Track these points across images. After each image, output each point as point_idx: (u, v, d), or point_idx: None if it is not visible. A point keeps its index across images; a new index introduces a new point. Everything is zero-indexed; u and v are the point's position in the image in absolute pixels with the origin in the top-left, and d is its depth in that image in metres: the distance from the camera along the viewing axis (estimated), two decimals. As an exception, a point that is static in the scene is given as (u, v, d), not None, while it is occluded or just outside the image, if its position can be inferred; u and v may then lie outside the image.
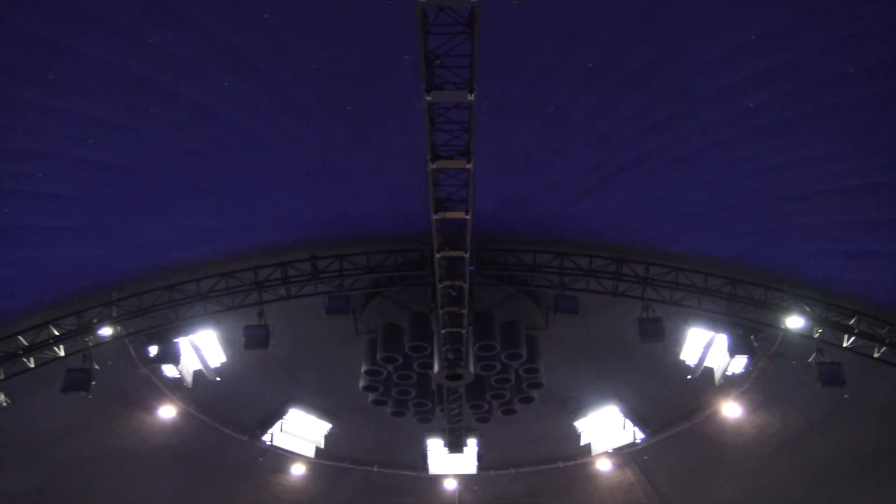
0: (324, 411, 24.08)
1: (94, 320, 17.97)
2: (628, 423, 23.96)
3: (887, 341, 17.65)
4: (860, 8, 10.15)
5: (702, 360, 20.02)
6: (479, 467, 24.42)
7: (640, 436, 24.04)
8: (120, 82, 11.67)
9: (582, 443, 24.52)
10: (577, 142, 14.47)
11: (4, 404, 17.53)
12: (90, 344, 18.15)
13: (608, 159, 14.95)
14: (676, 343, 20.06)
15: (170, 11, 10.44)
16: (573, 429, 24.33)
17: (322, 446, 24.44)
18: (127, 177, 14.20)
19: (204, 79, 11.98)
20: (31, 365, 17.91)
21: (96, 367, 18.10)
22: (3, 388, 17.60)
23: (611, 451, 24.66)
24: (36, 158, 12.98)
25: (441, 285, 15.70)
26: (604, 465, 25.31)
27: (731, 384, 21.50)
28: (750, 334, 18.62)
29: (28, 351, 17.73)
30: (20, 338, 17.72)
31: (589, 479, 25.78)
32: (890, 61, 11.04)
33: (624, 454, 24.72)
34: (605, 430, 24.26)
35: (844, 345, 17.96)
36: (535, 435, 24.70)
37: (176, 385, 21.12)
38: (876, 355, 17.84)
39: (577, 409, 24.02)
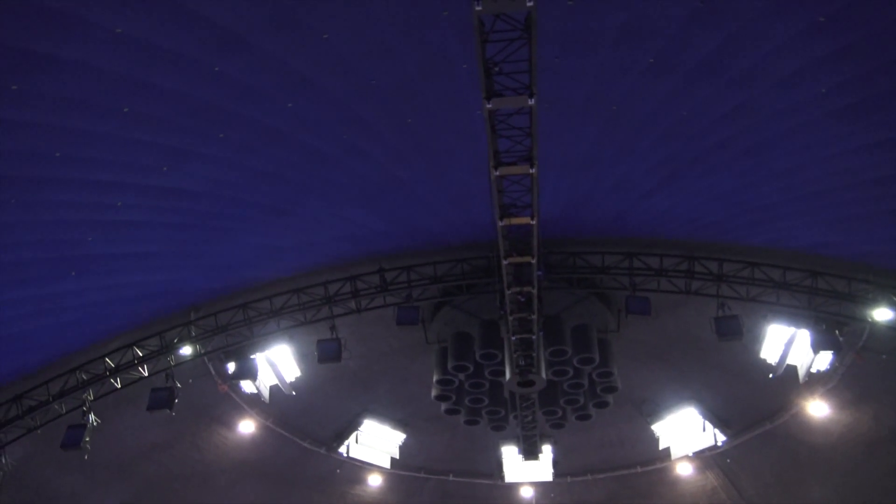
0: (398, 422, 24.26)
1: (175, 340, 18.63)
2: (708, 425, 23.31)
3: None
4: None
5: (784, 357, 19.24)
6: (556, 474, 24.12)
7: (721, 438, 23.38)
8: (190, 110, 12.09)
9: (661, 446, 23.97)
10: (642, 139, 14.20)
11: (95, 424, 18.24)
12: (172, 363, 18.77)
13: (674, 155, 14.62)
14: (756, 341, 19.38)
15: (233, 39, 10.76)
16: (651, 432, 23.82)
17: (397, 457, 24.62)
18: (200, 201, 14.71)
19: (269, 102, 12.30)
20: (118, 385, 18.65)
21: (178, 385, 18.65)
22: (92, 409, 18.31)
23: (691, 454, 24.04)
24: (115, 188, 13.57)
25: (509, 292, 15.62)
26: (684, 469, 24.67)
27: (816, 382, 20.65)
28: (834, 329, 17.76)
29: (114, 372, 18.49)
30: (107, 360, 18.52)
31: (669, 484, 25.17)
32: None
33: (705, 457, 24.04)
34: (685, 432, 23.65)
35: (938, 335, 17.03)
36: (612, 440, 24.30)
37: (254, 400, 21.66)
38: (973, 345, 16.86)
39: (655, 412, 23.51)
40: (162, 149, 12.84)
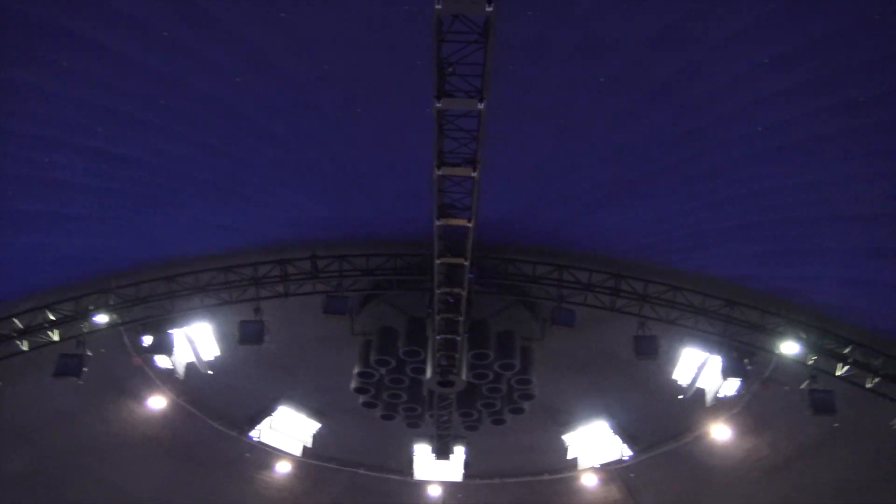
0: (314, 410, 24.05)
1: (91, 307, 17.98)
2: (617, 439, 23.96)
3: (881, 372, 17.67)
4: (883, 32, 10.17)
5: (694, 380, 20.01)
6: (465, 475, 24.36)
7: (627, 453, 24.06)
8: (135, 75, 11.70)
9: (569, 456, 24.50)
10: (590, 155, 14.47)
11: (-4, 386, 17.52)
12: (85, 330, 18.13)
13: (620, 174, 14.95)
14: (670, 362, 20.07)
15: (187, 6, 10.47)
16: (562, 442, 24.31)
17: (310, 445, 24.40)
18: (138, 169, 14.23)
19: (220, 75, 12.02)
20: (25, 348, 17.89)
21: (89, 353, 18.03)
22: (-6, 370, 17.57)
23: (597, 466, 24.65)
24: (47, 145, 13.00)
25: (439, 291, 15.71)
26: (589, 480, 25.27)
27: (722, 406, 21.53)
28: (744, 357, 18.64)
29: (22, 334, 17.71)
30: (15, 320, 17.71)
31: (574, 493, 25.73)
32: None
33: (610, 470, 24.70)
34: (594, 445, 24.25)
35: (838, 373, 17.96)
36: (524, 446, 24.68)
37: (168, 376, 21.10)
38: (868, 386, 17.85)
39: (567, 423, 24.02)
40: (102, 111, 12.38)
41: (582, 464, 24.68)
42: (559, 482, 25.73)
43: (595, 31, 11.11)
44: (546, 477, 25.67)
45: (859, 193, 13.72)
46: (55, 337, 17.99)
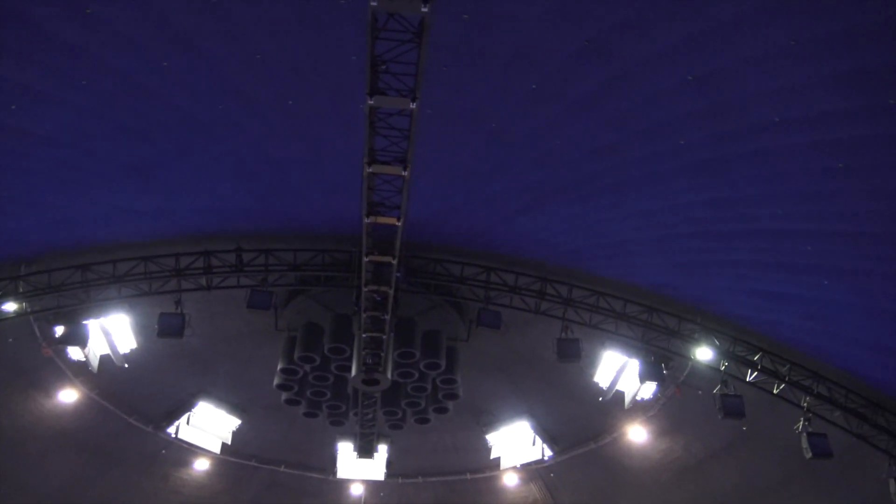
0: (234, 406, 23.57)
1: (-1, 294, 17.12)
2: (538, 439, 24.37)
3: (787, 379, 18.58)
4: (793, 61, 10.68)
5: (614, 383, 20.56)
6: (388, 474, 24.36)
7: (548, 453, 24.49)
8: (52, 49, 11.17)
9: (492, 456, 24.77)
10: (517, 160, 14.67)
11: None
12: (-9, 318, 17.27)
13: (545, 181, 15.21)
14: (592, 365, 20.56)
15: (112, -18, 10.11)
16: (485, 442, 24.56)
17: (229, 442, 23.89)
18: (51, 148, 13.57)
19: (144, 55, 11.60)
20: (-79, 336, 16.94)
21: (-5, 343, 17.24)
22: None
23: (518, 466, 25.02)
24: (-49, 118, 12.30)
25: (366, 289, 15.64)
26: (511, 480, 25.63)
27: (639, 409, 22.16)
28: (661, 362, 19.25)
29: (-82, 321, 16.76)
30: (-89, 305, 16.73)
31: (495, 492, 26.04)
32: (818, 115, 11.63)
33: (531, 470, 25.11)
34: (516, 445, 24.59)
35: (748, 379, 18.78)
36: (447, 445, 24.84)
37: (80, 368, 20.30)
38: (776, 391, 18.75)
39: (491, 423, 24.29)
40: (14, 85, 11.76)
41: (504, 463, 24.99)
42: (481, 481, 25.99)
43: (523, 41, 11.25)
44: (468, 476, 25.89)
45: (769, 212, 14.36)
46: (-43, 324, 17.08)
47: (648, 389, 20.44)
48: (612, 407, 21.72)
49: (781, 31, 10.16)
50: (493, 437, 24.49)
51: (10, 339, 18.29)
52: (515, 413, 24.01)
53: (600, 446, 23.97)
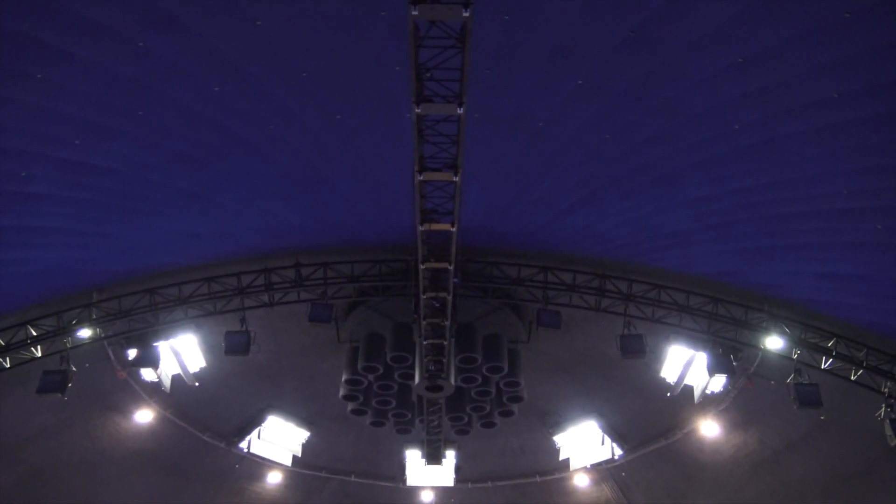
0: (302, 419, 23.93)
1: (74, 321, 17.79)
2: (607, 438, 24.02)
3: (864, 364, 17.83)
4: (848, 33, 10.31)
5: (682, 377, 20.10)
6: (457, 480, 24.34)
7: (618, 452, 24.10)
8: (110, 85, 11.60)
9: (560, 457, 24.52)
10: (565, 158, 14.55)
11: (-22, 404, 17.29)
12: (68, 345, 17.94)
13: (595, 176, 15.04)
14: (657, 360, 20.15)
15: (161, 16, 10.42)
16: (552, 443, 24.32)
17: (299, 455, 24.27)
18: (114, 180, 14.10)
19: (195, 84, 11.95)
20: (7, 365, 17.68)
21: (73, 369, 17.85)
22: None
23: (588, 466, 24.69)
24: (21, 157, 12.85)
25: (424, 296, 15.70)
26: (581, 481, 25.31)
27: (709, 403, 21.63)
28: (730, 353, 18.74)
29: (4, 351, 17.51)
30: (-4, 337, 17.53)
31: (566, 494, 25.76)
32: (875, 87, 11.21)
33: (601, 470, 24.75)
34: (584, 445, 24.29)
35: (822, 367, 18.12)
36: (514, 448, 24.70)
37: (154, 389, 20.94)
38: (853, 378, 18.02)
39: (557, 424, 24.04)
40: (77, 122, 12.26)
41: (573, 464, 24.72)
42: (551, 483, 25.75)
43: (564, 37, 11.16)
44: (538, 479, 25.68)
45: (832, 190, 13.86)
46: (38, 353, 17.79)
47: (718, 382, 19.91)
48: (682, 402, 21.24)
49: (836, 2, 9.81)
50: (560, 438, 24.23)
51: (87, 365, 18.97)
52: (582, 412, 23.71)
53: (671, 442, 23.48)
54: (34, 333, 17.67)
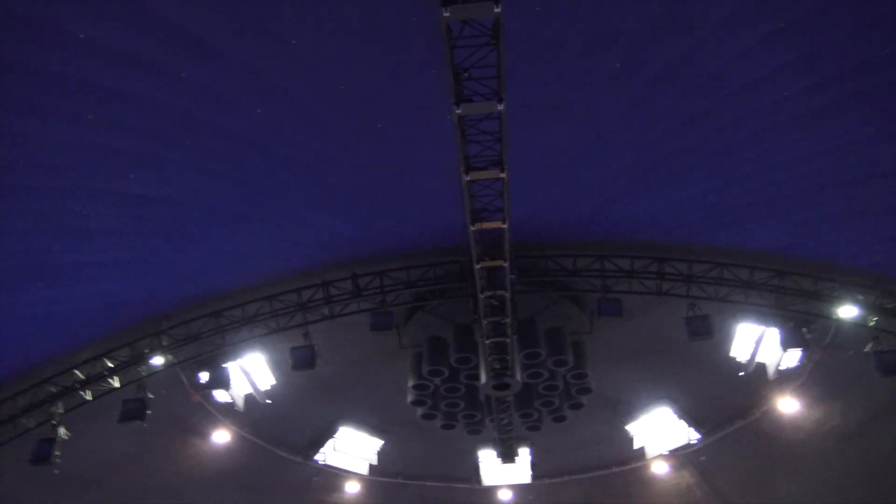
0: (374, 428, 24.20)
1: (146, 350, 18.37)
2: (682, 423, 23.56)
3: (947, 325, 17.06)
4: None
5: (753, 355, 19.53)
6: (533, 476, 24.22)
7: (695, 436, 23.64)
8: (156, 117, 11.98)
9: (636, 446, 24.19)
10: (610, 143, 14.36)
11: (65, 437, 17.94)
12: (143, 374, 18.52)
13: (643, 158, 14.79)
14: (726, 340, 19.63)
15: (201, 45, 10.69)
16: (625, 432, 24.02)
17: (375, 463, 24.53)
18: (168, 208, 14.54)
19: (236, 107, 12.23)
20: (89, 397, 18.35)
21: (150, 396, 18.41)
22: (62, 422, 18.01)
23: (666, 453, 24.28)
24: (80, 195, 13.38)
25: (482, 296, 15.68)
26: (660, 468, 24.92)
27: (786, 379, 20.98)
28: (802, 326, 18.14)
29: (85, 384, 18.19)
30: (76, 371, 18.21)
31: (645, 483, 25.40)
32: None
33: (680, 456, 24.30)
34: (659, 432, 23.89)
35: (902, 331, 17.39)
36: (588, 440, 24.46)
37: (228, 410, 21.43)
38: (936, 340, 17.25)
39: (629, 413, 23.73)
40: (127, 155, 12.69)
41: (650, 452, 24.36)
42: (629, 473, 25.47)
43: (597, 22, 11.05)
44: (615, 469, 25.44)
45: (889, 151, 13.30)
46: (116, 383, 18.42)
47: (793, 357, 19.26)
48: (756, 380, 20.65)
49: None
50: (633, 427, 23.90)
51: (162, 391, 19.55)
52: (653, 399, 23.34)
53: (749, 423, 22.90)
54: (110, 365, 18.30)
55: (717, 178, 15.31)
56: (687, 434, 23.67)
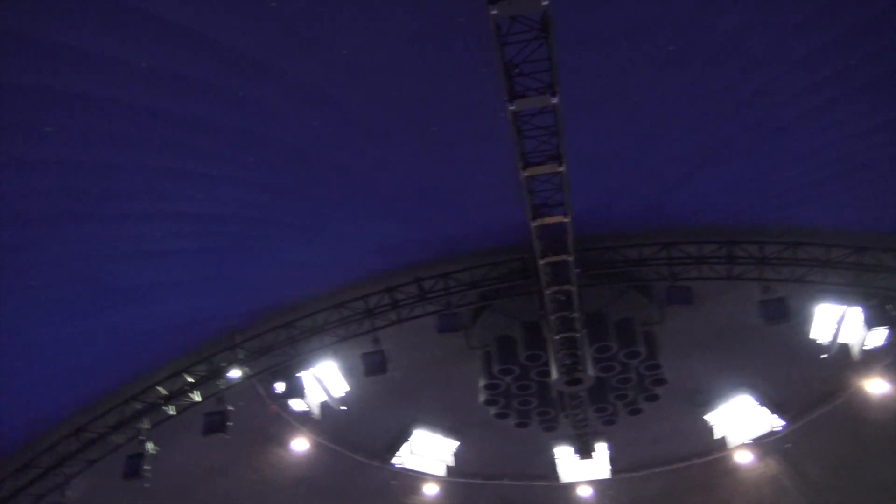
0: (448, 429, 24.29)
1: (223, 364, 18.90)
2: (765, 410, 22.84)
3: None
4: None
5: (835, 336, 18.79)
6: (612, 471, 23.90)
7: (778, 423, 22.91)
8: (217, 137, 12.34)
9: (716, 436, 23.58)
10: (666, 127, 14.06)
11: (153, 452, 18.60)
12: (222, 387, 19.04)
13: (699, 143, 14.44)
14: (805, 321, 18.92)
15: (254, 65, 10.96)
16: (705, 423, 23.44)
17: (452, 464, 24.62)
18: (234, 225, 14.97)
19: (291, 121, 12.49)
20: (172, 412, 18.98)
21: (230, 408, 18.92)
22: (149, 437, 18.69)
23: (749, 442, 23.59)
24: (151, 219, 13.89)
25: (548, 291, 15.57)
26: (743, 458, 24.25)
27: (872, 359, 20.10)
28: (886, 303, 17.32)
29: (168, 400, 18.84)
30: (159, 388, 18.89)
31: (729, 474, 24.75)
32: None
33: (764, 444, 23.61)
34: (741, 420, 23.23)
35: None
36: (667, 433, 23.99)
37: (305, 418, 21.85)
38: None
39: (707, 402, 23.17)
40: (193, 176, 13.12)
41: (732, 442, 23.72)
42: (711, 464, 24.90)
43: (643, 9, 10.86)
44: (696, 461, 24.87)
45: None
46: (197, 397, 18.99)
47: (878, 336, 18.42)
48: (840, 362, 19.83)
49: None
50: (712, 417, 23.31)
51: (241, 403, 20.07)
52: (732, 387, 22.72)
53: (836, 406, 22.08)
54: (190, 380, 18.91)
55: (778, 157, 14.79)
56: (770, 421, 22.96)
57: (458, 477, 25.18)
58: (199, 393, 18.98)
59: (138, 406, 18.85)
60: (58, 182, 11.97)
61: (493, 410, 20.00)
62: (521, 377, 18.73)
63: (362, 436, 23.62)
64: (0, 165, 11.08)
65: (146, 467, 18.21)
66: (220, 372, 18.88)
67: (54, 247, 13.39)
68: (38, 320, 15.13)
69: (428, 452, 24.60)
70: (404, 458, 24.40)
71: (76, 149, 11.48)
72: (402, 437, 24.21)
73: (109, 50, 9.97)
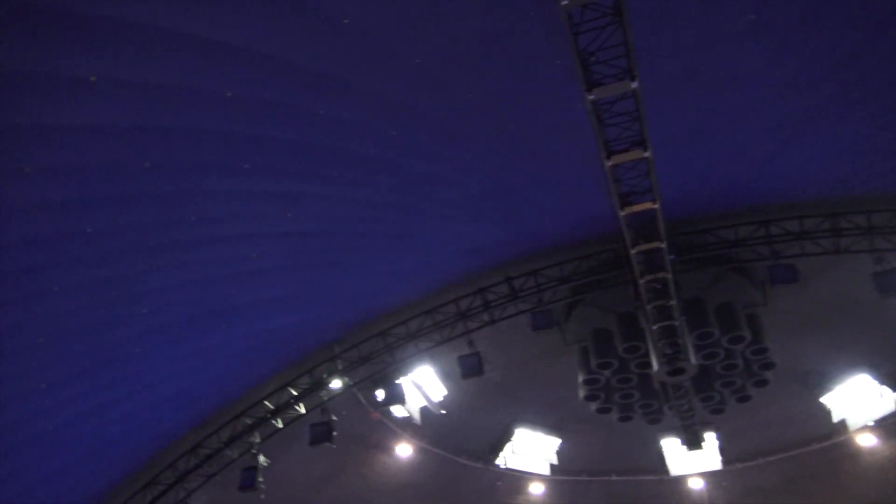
0: (550, 427, 24.10)
1: (324, 375, 19.42)
2: (885, 389, 21.53)
3: None
4: None
5: (960, 305, 17.54)
6: (724, 461, 23.09)
7: (903, 402, 21.55)
8: (301, 155, 12.67)
9: (835, 419, 22.40)
10: (756, 99, 13.43)
11: (265, 464, 19.27)
12: (325, 398, 19.54)
13: (792, 112, 13.70)
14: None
15: (332, 82, 11.19)
16: (821, 406, 22.31)
17: (556, 462, 24.39)
18: (325, 240, 15.36)
19: (372, 133, 12.68)
20: (280, 425, 19.63)
21: (334, 418, 19.39)
22: (261, 450, 19.38)
23: (872, 423, 22.28)
24: (248, 240, 14.41)
25: (643, 280, 15.21)
26: (866, 441, 22.92)
27: None
28: None
29: (275, 413, 19.50)
30: (266, 402, 19.58)
31: (851, 458, 23.46)
32: None
33: (888, 425, 22.21)
34: (861, 401, 21.99)
35: None
36: (780, 418, 22.98)
37: (407, 424, 22.18)
38: None
39: (821, 384, 22.06)
40: (282, 196, 13.53)
41: (852, 424, 22.48)
42: (831, 449, 23.65)
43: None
44: (815, 446, 23.69)
45: None
46: (302, 409, 19.57)
47: None
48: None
49: None
50: (829, 399, 22.16)
51: (344, 412, 20.55)
52: (848, 367, 21.53)
53: (969, 379, 20.58)
54: (294, 392, 19.52)
55: (880, 119, 13.86)
56: (893, 400, 21.60)
57: (564, 475, 24.92)
58: (303, 405, 19.54)
59: (248, 420, 19.60)
60: (158, 213, 12.58)
61: (594, 406, 19.69)
62: (621, 370, 18.35)
63: (464, 438, 23.72)
64: (106, 203, 11.72)
65: (260, 479, 18.87)
66: (322, 383, 19.40)
67: (160, 275, 14.07)
68: (151, 345, 15.96)
69: (531, 452, 24.47)
70: (507, 458, 24.33)
71: (174, 181, 12.04)
72: (503, 437, 24.18)
73: (195, 84, 10.40)
